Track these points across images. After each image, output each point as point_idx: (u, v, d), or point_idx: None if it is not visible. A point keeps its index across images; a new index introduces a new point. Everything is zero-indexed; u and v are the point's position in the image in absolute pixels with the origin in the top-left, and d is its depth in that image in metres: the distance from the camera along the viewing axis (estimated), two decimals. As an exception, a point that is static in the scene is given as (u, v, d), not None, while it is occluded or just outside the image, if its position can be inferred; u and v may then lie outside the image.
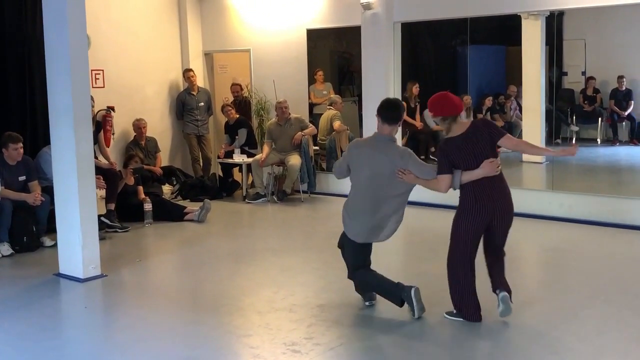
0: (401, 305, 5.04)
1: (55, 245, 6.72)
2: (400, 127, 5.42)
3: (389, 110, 5.08)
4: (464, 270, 4.88)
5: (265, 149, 9.71)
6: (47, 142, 7.03)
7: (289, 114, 9.66)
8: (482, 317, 4.92)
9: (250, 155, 10.05)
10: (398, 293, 5.02)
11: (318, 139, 10.19)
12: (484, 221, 4.82)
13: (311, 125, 9.85)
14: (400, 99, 5.26)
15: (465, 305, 4.93)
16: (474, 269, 4.91)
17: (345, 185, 9.65)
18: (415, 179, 4.96)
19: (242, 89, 10.79)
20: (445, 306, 5.06)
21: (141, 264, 6.86)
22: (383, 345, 4.70)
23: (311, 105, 10.46)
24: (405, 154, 5.03)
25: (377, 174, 5.01)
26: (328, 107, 10.13)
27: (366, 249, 5.23)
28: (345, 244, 5.29)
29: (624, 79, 9.55)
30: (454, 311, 4.99)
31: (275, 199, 9.72)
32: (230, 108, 10.37)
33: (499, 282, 4.94)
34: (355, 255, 5.22)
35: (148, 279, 6.56)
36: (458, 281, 4.91)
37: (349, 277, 5.31)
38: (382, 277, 5.15)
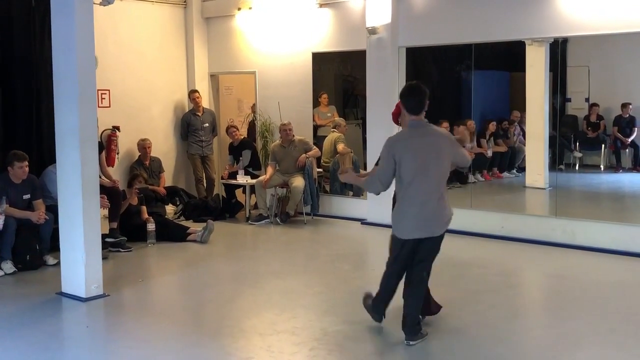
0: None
1: (58, 264, 6.73)
2: None
3: (410, 99, 4.98)
4: None
5: (269, 170, 9.73)
6: (52, 160, 7.06)
7: (293, 135, 9.70)
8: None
9: (253, 176, 10.07)
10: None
11: (322, 161, 10.22)
12: None
13: (315, 147, 9.88)
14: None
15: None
16: None
17: (348, 207, 9.76)
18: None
19: (238, 130, 10.73)
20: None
21: (143, 284, 6.86)
22: (385, 370, 4.68)
23: (315, 128, 10.50)
24: (451, 138, 5.10)
25: (435, 157, 4.89)
26: (332, 129, 10.17)
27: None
28: (428, 248, 5.00)
29: (630, 106, 9.59)
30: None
31: (279, 220, 9.72)
32: (235, 129, 10.41)
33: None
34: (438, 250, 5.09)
35: (150, 300, 6.55)
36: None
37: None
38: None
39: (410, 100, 4.98)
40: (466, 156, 5.07)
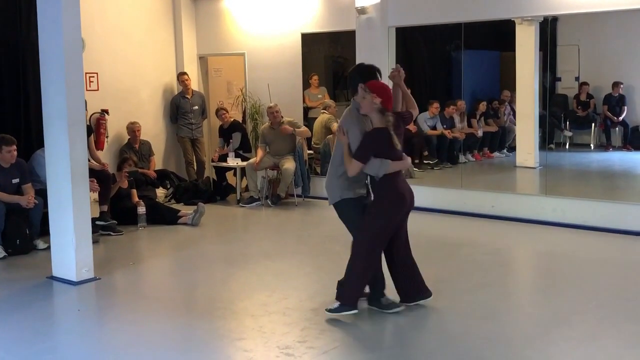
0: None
1: (48, 248, 6.70)
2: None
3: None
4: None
5: (259, 152, 9.71)
6: (40, 144, 7.02)
7: (282, 117, 9.66)
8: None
9: (244, 159, 10.05)
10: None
11: (312, 142, 10.20)
12: (402, 212, 5.07)
13: (304, 126, 9.85)
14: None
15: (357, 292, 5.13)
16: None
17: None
18: (346, 145, 5.01)
19: (227, 112, 10.64)
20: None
21: (134, 267, 6.86)
22: (376, 349, 4.70)
23: (306, 110, 10.46)
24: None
25: None
26: (322, 111, 10.15)
27: None
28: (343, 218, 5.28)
29: (622, 85, 9.59)
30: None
31: (270, 202, 9.72)
32: (225, 112, 10.37)
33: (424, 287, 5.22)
34: None
35: (141, 282, 6.54)
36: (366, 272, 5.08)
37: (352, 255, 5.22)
38: None
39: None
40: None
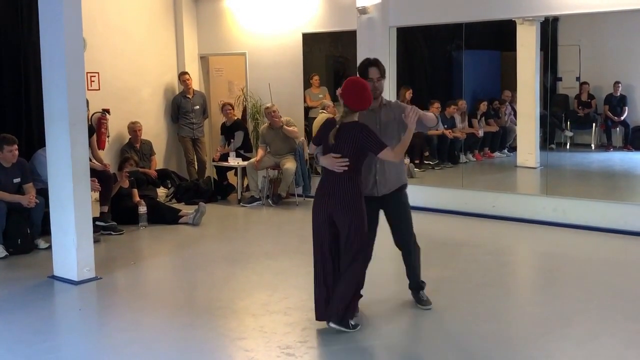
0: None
1: (49, 248, 6.72)
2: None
3: None
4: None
5: (260, 152, 9.71)
6: (42, 144, 7.03)
7: (280, 116, 9.65)
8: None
9: (245, 158, 10.06)
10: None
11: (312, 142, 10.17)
12: (324, 214, 4.75)
13: (295, 127, 9.77)
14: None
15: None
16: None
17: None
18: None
19: (233, 109, 10.63)
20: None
21: (135, 266, 6.86)
22: (377, 348, 4.70)
23: (307, 109, 10.47)
24: None
25: None
26: (320, 110, 10.13)
27: None
28: (406, 204, 5.21)
29: (620, 85, 9.60)
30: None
31: (270, 202, 9.72)
32: (231, 108, 10.36)
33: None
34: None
35: (142, 282, 6.55)
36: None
37: (413, 248, 5.27)
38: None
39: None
40: None
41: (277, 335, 4.84)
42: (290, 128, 9.66)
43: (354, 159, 4.70)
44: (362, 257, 4.79)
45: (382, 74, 5.02)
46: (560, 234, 7.78)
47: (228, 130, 10.38)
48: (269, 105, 9.74)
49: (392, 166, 5.02)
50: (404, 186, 5.19)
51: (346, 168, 4.68)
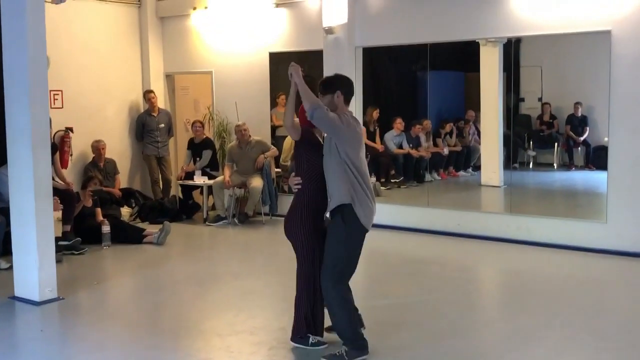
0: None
1: (10, 268, 6.58)
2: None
3: (351, 89, 5.09)
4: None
5: (227, 171, 9.67)
6: (3, 162, 6.90)
7: (249, 136, 9.66)
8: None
9: (211, 177, 10.00)
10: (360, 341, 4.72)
11: (281, 160, 10.20)
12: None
13: (273, 147, 9.86)
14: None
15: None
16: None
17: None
18: None
19: (203, 127, 10.60)
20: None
21: (99, 287, 6.76)
22: (345, 368, 4.68)
23: (274, 128, 10.47)
24: None
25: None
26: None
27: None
28: (348, 240, 4.62)
29: (581, 105, 9.78)
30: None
31: (237, 221, 9.67)
32: (201, 126, 10.31)
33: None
34: (358, 253, 4.71)
35: (106, 302, 6.45)
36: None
37: (327, 292, 4.68)
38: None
39: (351, 90, 5.03)
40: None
41: (244, 355, 4.80)
42: (270, 152, 9.71)
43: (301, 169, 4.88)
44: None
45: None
46: (524, 251, 7.87)
47: (196, 148, 10.33)
48: (240, 123, 9.73)
49: (329, 175, 4.68)
50: (342, 208, 4.58)
51: (299, 186, 4.84)
